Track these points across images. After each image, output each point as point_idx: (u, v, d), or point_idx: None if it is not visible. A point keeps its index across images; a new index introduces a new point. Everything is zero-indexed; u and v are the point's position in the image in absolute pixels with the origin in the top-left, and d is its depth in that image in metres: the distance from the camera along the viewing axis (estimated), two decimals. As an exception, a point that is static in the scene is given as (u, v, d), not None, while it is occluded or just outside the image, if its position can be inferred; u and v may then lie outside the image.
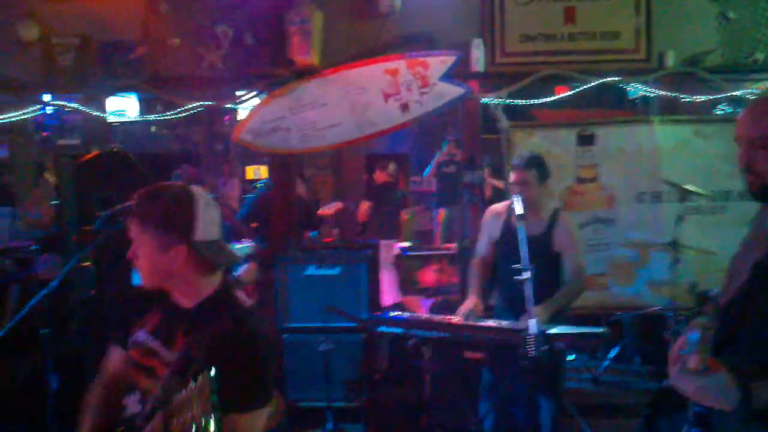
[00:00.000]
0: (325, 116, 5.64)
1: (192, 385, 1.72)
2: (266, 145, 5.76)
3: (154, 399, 2.08)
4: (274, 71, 5.69)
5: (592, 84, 5.60)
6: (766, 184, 2.24)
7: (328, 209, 8.83)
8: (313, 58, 5.58)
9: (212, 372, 1.69)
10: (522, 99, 5.80)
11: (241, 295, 2.23)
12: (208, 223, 2.18)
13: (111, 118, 6.86)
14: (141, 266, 2.17)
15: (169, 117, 6.01)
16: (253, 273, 4.82)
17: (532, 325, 3.71)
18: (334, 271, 5.43)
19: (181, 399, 1.78)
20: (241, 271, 4.73)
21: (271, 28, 5.64)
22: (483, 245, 4.63)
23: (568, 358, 6.05)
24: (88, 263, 5.17)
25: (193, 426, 1.70)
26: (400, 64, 5.60)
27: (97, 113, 6.06)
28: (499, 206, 4.63)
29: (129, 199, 2.19)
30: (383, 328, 4.43)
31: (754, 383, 2.03)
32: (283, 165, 6.08)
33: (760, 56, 5.63)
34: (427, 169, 9.93)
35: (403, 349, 4.33)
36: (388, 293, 6.33)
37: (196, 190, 2.20)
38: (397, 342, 5.03)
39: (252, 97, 5.84)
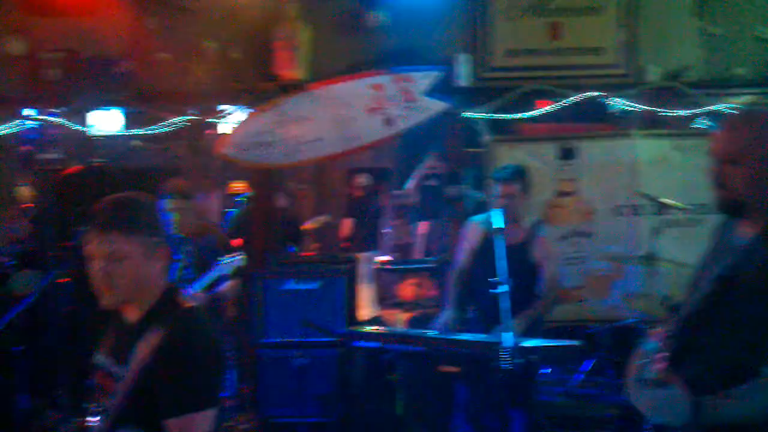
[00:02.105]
0: (308, 131, 5.66)
1: None
2: (249, 159, 5.77)
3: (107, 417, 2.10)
4: (260, 86, 5.71)
5: (575, 99, 5.66)
6: (736, 199, 2.28)
7: (312, 223, 8.82)
8: (299, 73, 5.61)
9: None
10: (505, 113, 5.85)
11: (184, 299, 2.24)
12: None
13: (93, 133, 6.83)
14: (121, 281, 2.11)
15: (153, 131, 6.00)
16: (235, 289, 4.81)
17: (507, 338, 3.73)
18: (312, 286, 5.41)
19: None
20: (224, 287, 4.70)
21: (257, 42, 5.67)
22: (462, 257, 4.65)
23: (542, 371, 6.10)
24: (66, 279, 5.12)
25: None
26: (385, 79, 5.63)
27: (80, 127, 6.04)
28: (477, 218, 4.65)
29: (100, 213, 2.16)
30: (359, 343, 4.44)
31: (706, 397, 2.07)
32: (265, 179, 6.08)
33: (739, 71, 5.73)
34: (408, 182, 9.94)
35: (378, 364, 4.34)
36: (367, 307, 6.34)
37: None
38: (373, 356, 5.04)
39: (237, 112, 5.85)
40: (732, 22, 5.73)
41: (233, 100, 5.85)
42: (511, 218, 4.19)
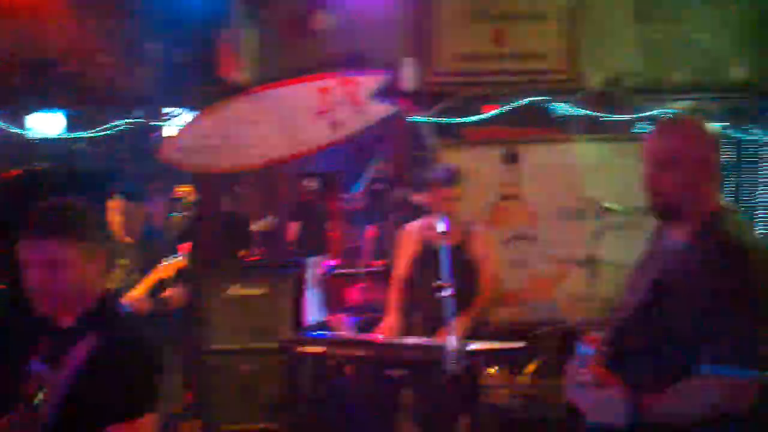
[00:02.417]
0: (255, 134, 5.63)
1: None
2: (194, 163, 5.71)
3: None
4: (205, 89, 5.66)
5: (519, 103, 5.74)
6: (669, 203, 2.33)
7: (258, 226, 8.77)
8: (245, 76, 5.58)
9: None
10: (451, 117, 5.90)
11: (121, 304, 2.24)
12: None
13: (33, 136, 6.69)
14: (58, 287, 2.07)
15: (95, 134, 5.90)
16: (183, 296, 4.74)
17: (452, 341, 3.76)
18: (258, 291, 5.37)
19: None
20: (170, 293, 4.64)
21: (202, 45, 5.62)
22: (400, 264, 4.64)
23: (487, 373, 6.16)
24: (3, 286, 5.01)
25: None
26: (332, 83, 5.63)
27: (19, 130, 5.91)
28: (415, 224, 4.65)
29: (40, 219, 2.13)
30: (305, 348, 4.43)
31: (644, 397, 2.12)
32: (211, 183, 6.03)
33: (678, 77, 5.87)
34: (357, 185, 9.94)
35: (325, 369, 4.33)
36: (314, 312, 6.32)
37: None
38: (319, 362, 5.04)
39: (181, 115, 5.80)
40: (670, 29, 5.87)
41: (178, 103, 5.79)
42: (450, 220, 4.22)
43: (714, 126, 5.94)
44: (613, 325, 2.40)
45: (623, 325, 2.36)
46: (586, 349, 2.13)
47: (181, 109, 5.79)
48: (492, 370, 6.23)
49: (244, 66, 5.55)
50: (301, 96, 5.63)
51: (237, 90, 5.60)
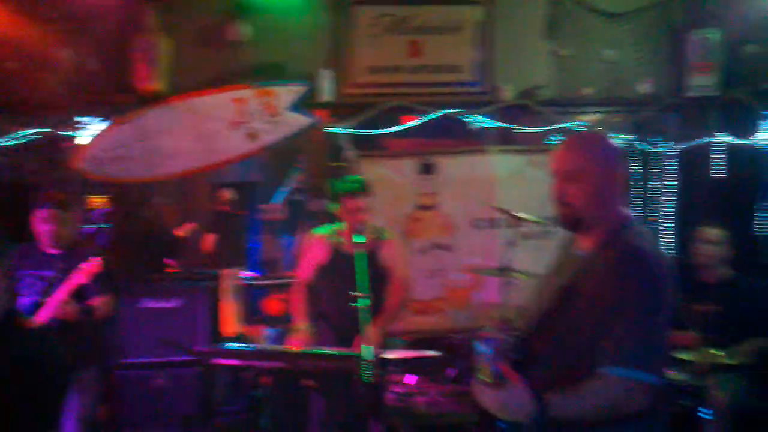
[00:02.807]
0: (170, 144, 5.56)
1: None
2: (108, 173, 5.59)
3: None
4: (118, 98, 5.55)
5: (435, 115, 5.82)
6: (576, 214, 2.41)
7: (184, 230, 8.62)
8: (159, 85, 5.49)
9: None
10: (370, 128, 5.93)
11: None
12: None
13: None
14: None
15: (3, 144, 5.71)
16: (109, 305, 4.62)
17: (367, 350, 3.79)
18: (172, 303, 5.30)
19: None
20: (96, 301, 4.52)
21: (115, 53, 5.51)
22: (305, 270, 4.65)
23: (405, 381, 6.21)
24: None
25: None
26: (248, 93, 5.61)
27: None
28: (323, 231, 4.67)
29: None
30: (218, 361, 4.38)
31: (548, 394, 2.19)
32: (126, 194, 5.91)
33: (588, 91, 6.05)
34: (278, 196, 9.89)
35: (240, 381, 4.30)
36: (231, 323, 6.26)
37: None
38: (235, 374, 4.99)
39: (94, 125, 5.66)
40: (580, 45, 6.04)
41: (90, 112, 5.65)
42: (360, 230, 4.25)
43: (621, 139, 6.18)
44: (523, 330, 2.48)
45: (533, 330, 2.43)
46: (483, 347, 2.19)
47: (93, 119, 5.65)
48: (408, 379, 6.31)
49: (158, 75, 5.46)
50: (216, 106, 5.59)
51: (151, 100, 5.51)
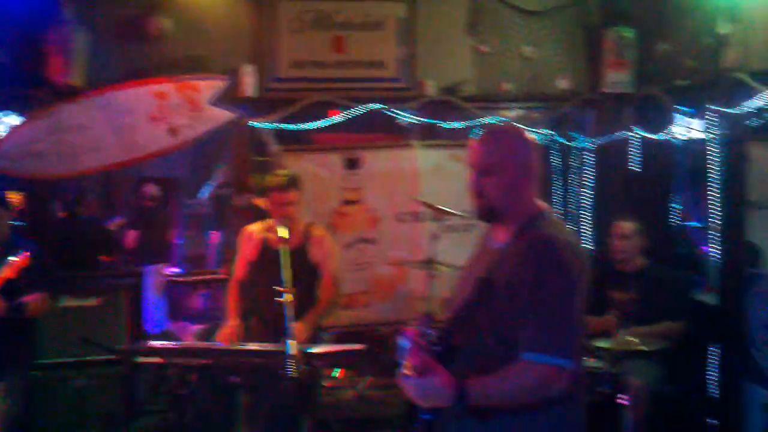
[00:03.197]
0: (88, 139, 5.42)
1: None
2: (23, 169, 5.42)
3: None
4: (33, 91, 5.39)
5: (360, 110, 5.84)
6: (492, 207, 2.47)
7: (114, 224, 8.44)
8: (76, 79, 5.35)
9: None
10: (295, 123, 5.91)
11: None
12: None
13: None
14: None
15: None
16: (44, 303, 4.46)
17: (292, 345, 3.80)
18: (92, 301, 5.18)
19: None
20: (29, 298, 4.37)
21: (29, 46, 5.34)
22: (239, 267, 4.63)
23: (332, 375, 6.25)
24: None
25: None
26: (169, 88, 5.51)
27: None
28: (254, 227, 4.64)
29: None
30: (140, 359, 4.32)
31: (468, 381, 2.24)
32: (41, 191, 5.75)
33: (508, 87, 6.15)
34: (205, 191, 9.77)
35: (165, 379, 4.25)
36: (155, 321, 6.17)
37: None
38: (159, 372, 4.93)
39: (7, 119, 5.50)
40: (500, 42, 6.14)
41: (3, 107, 5.48)
42: (290, 225, 4.25)
43: (540, 134, 6.31)
44: (445, 323, 2.52)
45: (453, 322, 2.47)
46: (405, 341, 2.23)
47: (5, 113, 5.48)
48: (335, 373, 6.34)
49: (74, 69, 5.32)
50: (136, 100, 5.48)
51: (67, 93, 5.36)
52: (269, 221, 4.52)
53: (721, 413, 5.08)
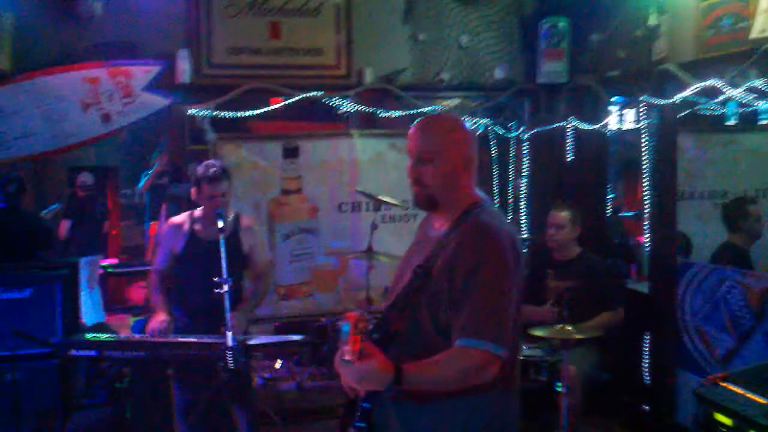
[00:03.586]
0: (15, 126, 5.26)
1: None
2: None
3: None
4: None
5: (297, 98, 5.78)
6: (431, 195, 2.49)
7: (50, 213, 8.23)
8: (3, 63, 5.18)
9: None
10: (233, 111, 5.82)
11: None
12: None
13: None
14: None
15: None
16: None
17: (230, 338, 3.77)
18: (24, 294, 5.03)
19: None
20: None
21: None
22: (163, 259, 4.52)
23: (276, 366, 6.22)
24: None
25: None
26: (100, 73, 5.38)
27: None
28: (179, 218, 4.54)
29: None
30: (76, 352, 4.24)
31: (404, 365, 2.26)
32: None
33: (446, 76, 6.17)
34: (143, 181, 9.61)
35: (101, 373, 4.18)
36: (91, 313, 6.03)
37: None
38: (94, 365, 4.83)
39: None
40: (437, 31, 6.15)
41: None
42: (221, 215, 4.20)
43: (478, 123, 6.36)
44: (384, 310, 2.53)
45: (391, 309, 2.48)
46: (344, 326, 2.23)
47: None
48: (275, 364, 6.31)
49: (1, 52, 5.14)
50: (67, 86, 5.33)
51: (-7, 78, 5.20)
52: (195, 212, 4.45)
53: (654, 399, 5.20)
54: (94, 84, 5.36)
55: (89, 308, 6.55)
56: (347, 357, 2.22)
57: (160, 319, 4.24)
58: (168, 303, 4.43)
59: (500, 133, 6.53)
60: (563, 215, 5.17)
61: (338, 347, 2.29)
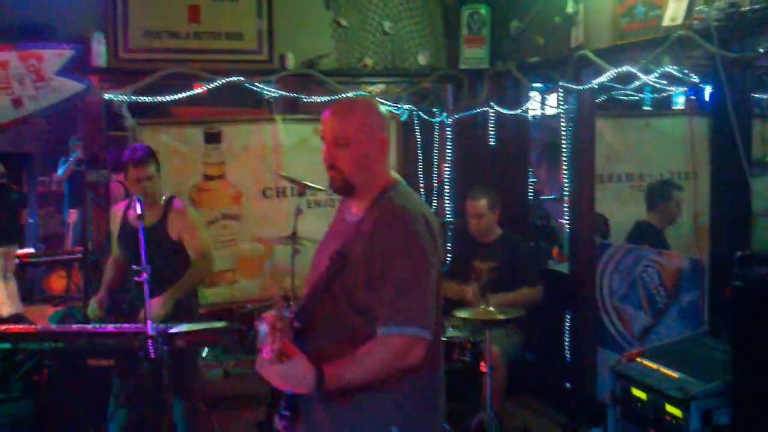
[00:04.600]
0: None
1: None
2: None
3: None
4: None
5: (218, 83, 5.68)
6: (346, 179, 2.47)
7: None
8: None
9: None
10: (152, 95, 5.68)
11: None
12: None
13: None
14: None
15: None
16: None
17: (150, 326, 3.70)
18: None
19: None
20: None
21: None
22: (113, 244, 4.58)
23: (202, 354, 6.15)
24: None
25: None
26: (10, 56, 5.18)
27: None
28: (121, 203, 4.59)
29: None
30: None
31: (327, 365, 2.24)
32: None
33: (369, 62, 6.15)
34: (62, 168, 9.34)
35: (18, 365, 4.06)
36: (7, 304, 5.87)
37: None
38: (11, 357, 4.69)
39: None
40: (360, 16, 6.12)
41: None
42: (149, 200, 4.14)
43: (402, 109, 6.38)
44: (302, 297, 2.51)
45: (311, 296, 2.46)
46: (262, 327, 2.21)
47: None
48: (202, 352, 6.24)
49: None
50: (-26, 70, 5.12)
51: None
52: (129, 197, 4.40)
53: (576, 377, 5.34)
54: (3, 68, 5.16)
55: (6, 299, 6.35)
56: (267, 358, 2.20)
57: (96, 299, 4.33)
58: (113, 286, 4.51)
59: (424, 118, 6.57)
60: (481, 204, 5.26)
61: (259, 348, 2.26)
